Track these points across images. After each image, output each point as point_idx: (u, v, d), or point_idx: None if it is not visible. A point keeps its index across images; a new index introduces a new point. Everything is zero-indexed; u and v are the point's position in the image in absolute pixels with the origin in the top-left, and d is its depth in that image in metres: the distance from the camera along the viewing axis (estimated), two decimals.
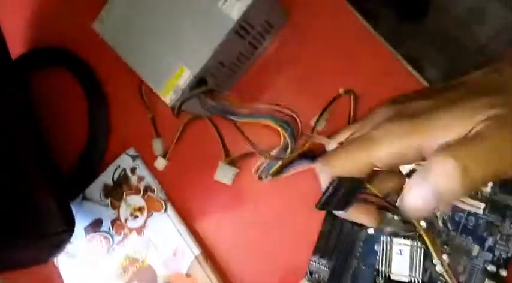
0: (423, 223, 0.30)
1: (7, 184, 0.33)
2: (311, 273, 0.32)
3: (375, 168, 0.19)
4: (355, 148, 0.19)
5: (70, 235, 0.36)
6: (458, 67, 0.66)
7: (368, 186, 0.20)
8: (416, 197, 0.17)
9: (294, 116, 0.33)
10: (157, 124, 0.41)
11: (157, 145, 0.40)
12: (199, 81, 0.33)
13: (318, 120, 0.33)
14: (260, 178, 0.35)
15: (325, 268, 0.31)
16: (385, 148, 0.18)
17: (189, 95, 0.33)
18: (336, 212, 0.21)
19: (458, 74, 0.19)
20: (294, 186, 0.35)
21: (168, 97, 0.33)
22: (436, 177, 0.16)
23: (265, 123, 0.33)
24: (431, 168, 0.16)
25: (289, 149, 0.31)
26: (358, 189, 0.20)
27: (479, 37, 0.65)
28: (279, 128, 0.31)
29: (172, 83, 0.33)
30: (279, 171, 0.34)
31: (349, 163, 0.19)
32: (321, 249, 0.32)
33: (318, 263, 0.32)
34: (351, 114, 0.34)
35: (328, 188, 0.19)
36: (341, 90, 0.33)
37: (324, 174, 0.20)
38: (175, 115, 0.35)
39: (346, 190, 0.19)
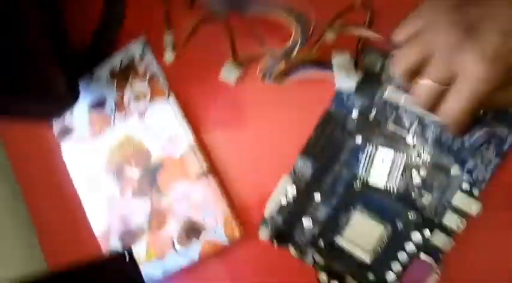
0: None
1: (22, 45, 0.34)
2: (295, 172, 0.33)
3: None
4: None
5: (73, 102, 0.37)
6: None
7: None
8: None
9: (310, 14, 0.32)
10: (171, 18, 0.41)
11: (169, 39, 0.41)
12: None
13: (328, 29, 0.33)
14: (264, 78, 0.35)
15: (308, 169, 0.33)
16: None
17: None
18: None
19: None
20: (297, 93, 0.36)
21: None
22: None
23: (278, 20, 0.33)
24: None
25: (297, 47, 0.32)
26: None
27: None
28: (293, 21, 0.31)
29: None
30: (284, 74, 0.35)
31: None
32: (309, 150, 0.33)
33: (303, 163, 0.33)
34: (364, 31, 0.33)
35: None
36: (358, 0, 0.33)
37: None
38: (189, 4, 0.35)
39: None
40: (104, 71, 0.41)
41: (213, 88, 0.39)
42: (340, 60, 0.32)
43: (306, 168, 0.33)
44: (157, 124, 0.39)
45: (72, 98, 0.37)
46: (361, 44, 0.33)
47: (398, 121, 0.31)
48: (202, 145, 0.38)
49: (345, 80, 0.32)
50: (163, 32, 0.41)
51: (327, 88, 0.33)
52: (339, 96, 0.33)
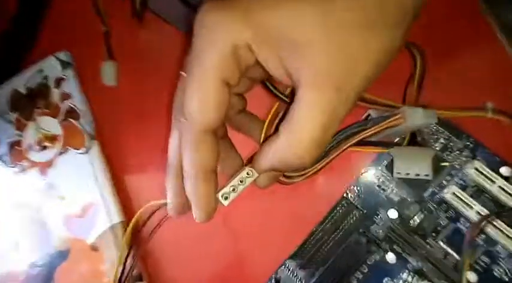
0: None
1: None
2: (277, 281, 0.20)
3: None
4: None
5: None
6: None
7: None
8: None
9: None
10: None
11: (107, 69, 0.27)
12: None
13: None
14: None
15: (298, 282, 0.20)
16: None
17: None
18: None
19: None
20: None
21: None
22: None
23: None
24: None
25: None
26: None
27: None
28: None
29: None
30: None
31: None
32: (304, 255, 0.20)
33: (292, 272, 0.20)
34: None
35: None
36: None
37: None
38: (137, 16, 0.24)
39: None
40: (1, 96, 0.28)
41: (157, 139, 0.25)
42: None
43: (294, 279, 0.20)
44: (67, 186, 0.25)
45: None
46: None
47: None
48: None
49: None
50: (99, 46, 0.28)
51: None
52: (363, 185, 0.21)
